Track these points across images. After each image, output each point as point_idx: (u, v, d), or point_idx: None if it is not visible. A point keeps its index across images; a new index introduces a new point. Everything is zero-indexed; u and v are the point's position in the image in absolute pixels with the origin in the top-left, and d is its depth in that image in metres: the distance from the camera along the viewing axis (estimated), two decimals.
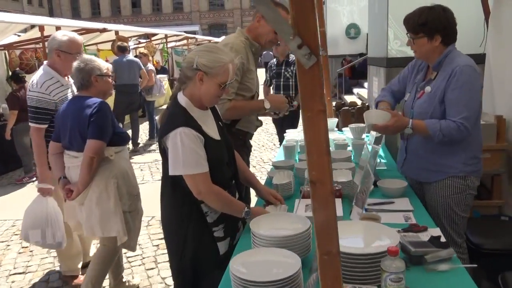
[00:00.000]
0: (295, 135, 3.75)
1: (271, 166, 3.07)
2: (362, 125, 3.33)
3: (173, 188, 2.02)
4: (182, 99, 1.99)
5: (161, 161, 2.08)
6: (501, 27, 3.42)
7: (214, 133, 2.03)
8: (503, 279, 2.12)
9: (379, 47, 4.41)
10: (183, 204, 2.01)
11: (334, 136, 3.51)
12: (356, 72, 13.48)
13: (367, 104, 5.41)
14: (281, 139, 5.36)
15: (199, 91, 1.93)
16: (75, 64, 2.69)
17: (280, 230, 1.72)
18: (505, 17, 3.38)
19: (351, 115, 5.39)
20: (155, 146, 7.96)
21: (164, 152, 1.99)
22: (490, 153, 3.16)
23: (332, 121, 3.85)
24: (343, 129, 3.94)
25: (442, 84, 2.20)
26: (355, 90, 12.87)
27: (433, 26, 2.17)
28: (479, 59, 3.93)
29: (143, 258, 3.74)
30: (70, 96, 3.00)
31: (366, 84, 12.90)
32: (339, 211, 2.14)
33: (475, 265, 1.61)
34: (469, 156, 2.28)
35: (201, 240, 2.01)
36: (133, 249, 2.98)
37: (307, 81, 1.01)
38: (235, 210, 1.99)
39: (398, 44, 4.13)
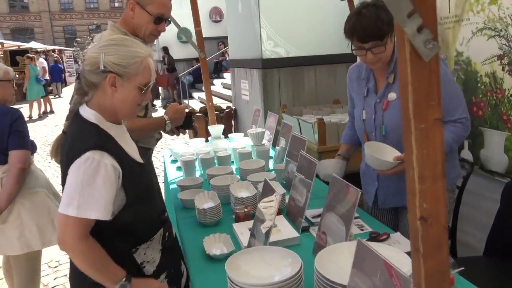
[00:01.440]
0: (182, 147, 3.34)
1: (175, 187, 2.64)
2: (260, 129, 3.13)
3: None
4: (88, 113, 1.45)
5: None
6: None
7: (136, 155, 1.55)
8: None
9: (251, 48, 4.28)
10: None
11: (231, 144, 3.22)
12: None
13: (234, 107, 5.26)
14: None
15: (112, 100, 1.43)
16: None
17: (268, 271, 1.37)
18: None
19: (220, 119, 5.19)
20: None
21: None
22: None
23: (219, 128, 3.56)
24: (229, 135, 3.69)
25: None
26: (196, 94, 12.78)
27: (391, 22, 1.85)
28: (349, 58, 4.15)
29: None
30: None
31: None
32: (293, 231, 1.89)
33: (463, 268, 1.54)
34: (455, 158, 2.11)
35: None
36: None
37: (423, 79, 0.71)
38: (106, 278, 1.40)
39: (272, 45, 4.06)
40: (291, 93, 4.17)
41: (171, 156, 3.42)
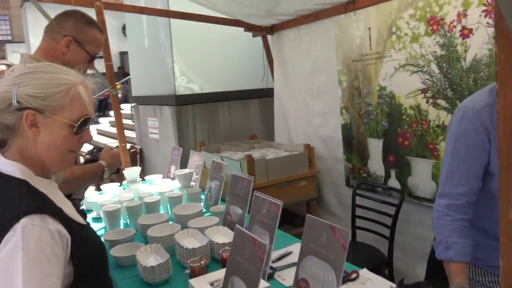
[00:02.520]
0: (95, 194, 2.95)
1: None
2: (188, 170, 2.91)
3: None
4: (10, 167, 1.10)
5: None
6: (286, 66, 3.69)
7: (76, 215, 1.20)
8: None
9: (161, 84, 4.05)
10: None
11: (155, 188, 2.93)
12: None
13: (139, 147, 4.90)
14: None
15: (36, 146, 1.09)
16: None
17: None
18: (288, 57, 3.66)
19: None
20: None
21: None
22: (306, 180, 3.31)
23: (135, 171, 3.23)
24: (146, 178, 3.37)
25: None
26: None
27: None
28: (262, 93, 4.17)
29: None
30: None
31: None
32: (261, 281, 1.71)
33: None
34: None
35: None
36: None
37: None
38: None
39: (185, 80, 3.89)
40: (206, 129, 4.01)
41: (82, 205, 2.99)
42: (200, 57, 3.93)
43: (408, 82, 2.56)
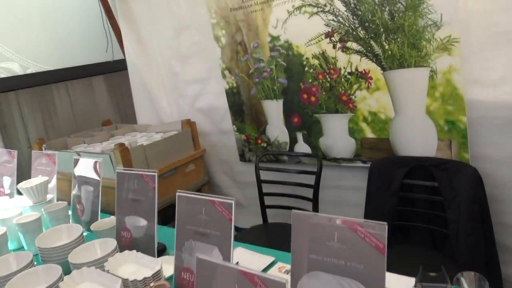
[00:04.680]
0: None
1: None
2: (37, 180, 2.02)
3: None
4: None
5: None
6: (138, 28, 2.95)
7: None
8: None
9: None
10: None
11: None
12: None
13: None
14: None
15: None
16: None
17: None
18: (140, 17, 2.93)
19: None
20: None
21: None
22: (194, 163, 2.73)
23: None
24: None
25: None
26: None
27: None
28: (108, 67, 3.33)
29: None
30: None
31: None
32: None
33: None
34: None
35: None
36: None
37: None
38: None
39: None
40: (40, 121, 3.02)
41: None
42: (15, 27, 2.87)
43: (308, 26, 2.18)
